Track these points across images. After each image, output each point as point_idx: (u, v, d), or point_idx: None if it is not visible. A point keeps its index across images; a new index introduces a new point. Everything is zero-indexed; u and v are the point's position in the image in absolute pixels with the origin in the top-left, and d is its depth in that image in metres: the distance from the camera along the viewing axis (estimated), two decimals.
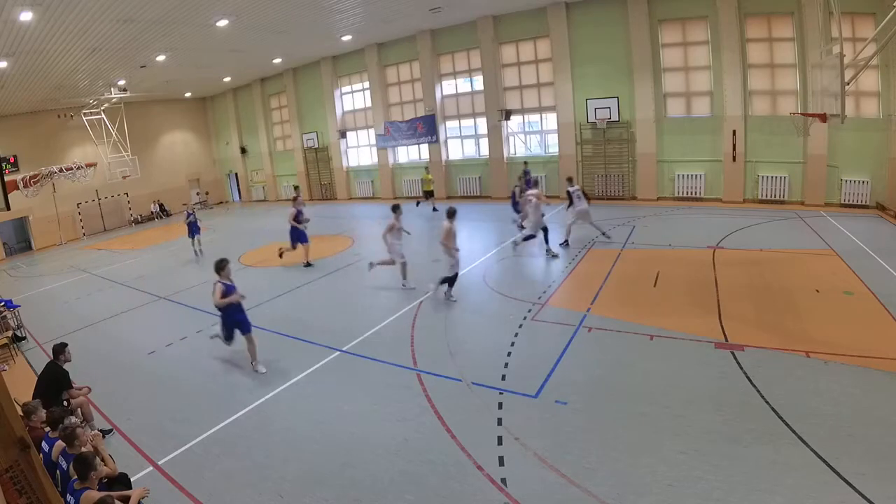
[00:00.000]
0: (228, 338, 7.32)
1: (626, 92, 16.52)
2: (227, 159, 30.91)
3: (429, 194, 19.00)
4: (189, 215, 15.95)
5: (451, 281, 9.12)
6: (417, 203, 19.43)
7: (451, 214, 9.00)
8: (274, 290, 10.99)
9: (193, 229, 15.88)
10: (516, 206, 14.26)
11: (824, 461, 4.26)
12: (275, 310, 9.88)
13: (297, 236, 12.58)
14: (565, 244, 11.81)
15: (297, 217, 12.51)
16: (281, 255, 12.97)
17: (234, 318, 7.16)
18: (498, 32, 18.75)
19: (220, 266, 7.16)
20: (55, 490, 3.48)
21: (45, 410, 4.96)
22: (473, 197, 20.80)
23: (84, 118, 21.05)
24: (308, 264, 12.61)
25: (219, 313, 7.27)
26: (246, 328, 7.18)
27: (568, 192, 11.83)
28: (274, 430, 5.72)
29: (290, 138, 27.03)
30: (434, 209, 18.57)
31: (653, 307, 8.12)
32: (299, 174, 26.86)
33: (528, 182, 14.86)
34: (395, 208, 10.21)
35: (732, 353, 6.30)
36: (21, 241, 22.89)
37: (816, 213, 13.28)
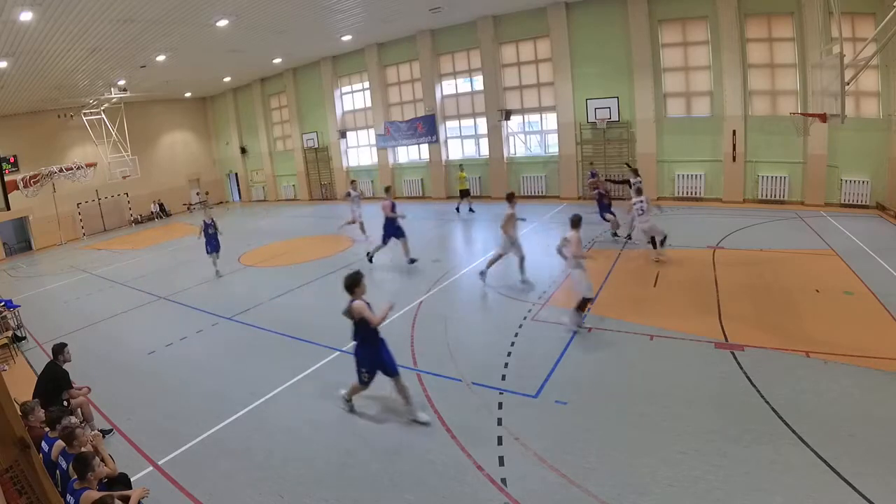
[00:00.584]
0: (366, 382, 5.67)
1: (626, 92, 16.51)
2: (227, 159, 30.91)
3: (464, 193, 18.02)
4: (208, 226, 12.86)
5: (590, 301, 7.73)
6: (457, 208, 17.98)
7: (577, 223, 7.57)
8: (274, 290, 10.99)
9: (212, 244, 12.93)
10: (603, 212, 12.44)
11: (824, 461, 4.26)
12: (275, 310, 9.88)
13: (393, 231, 11.77)
14: (628, 238, 11.56)
15: (394, 209, 11.70)
16: (371, 260, 12.18)
17: (377, 358, 5.50)
18: (498, 32, 18.73)
19: (355, 282, 5.38)
20: (55, 490, 3.49)
21: (43, 410, 4.96)
22: (473, 197, 20.70)
23: (84, 118, 21.07)
24: (412, 260, 11.69)
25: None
26: (392, 369, 5.53)
27: (629, 183, 11.57)
28: (274, 430, 5.72)
29: (290, 138, 27.03)
30: (470, 209, 17.73)
31: (653, 307, 8.12)
32: (299, 174, 26.88)
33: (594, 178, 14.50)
34: (511, 197, 9.74)
35: (732, 353, 6.30)
36: (21, 241, 22.87)
37: (816, 213, 13.27)
